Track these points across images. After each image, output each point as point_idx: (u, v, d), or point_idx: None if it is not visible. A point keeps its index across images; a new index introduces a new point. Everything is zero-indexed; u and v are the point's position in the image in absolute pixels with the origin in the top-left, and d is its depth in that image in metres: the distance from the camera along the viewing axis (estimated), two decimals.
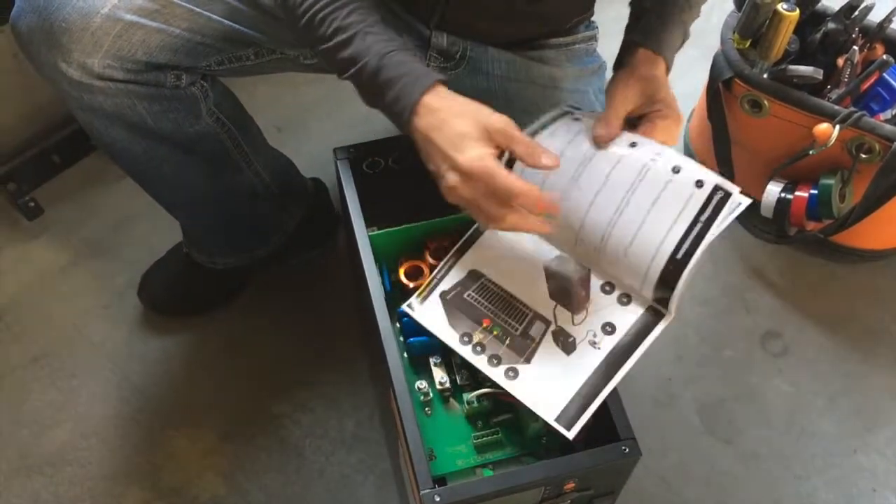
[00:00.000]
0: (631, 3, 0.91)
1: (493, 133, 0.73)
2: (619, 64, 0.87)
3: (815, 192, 1.17)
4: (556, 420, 0.74)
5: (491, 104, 0.77)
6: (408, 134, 0.76)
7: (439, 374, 0.84)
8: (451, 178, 0.72)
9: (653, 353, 1.20)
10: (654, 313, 0.77)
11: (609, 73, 1.08)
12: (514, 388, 0.77)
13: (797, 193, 1.20)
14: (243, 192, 1.07)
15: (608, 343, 0.77)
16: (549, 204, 0.73)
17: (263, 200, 1.12)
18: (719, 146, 1.27)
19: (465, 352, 0.79)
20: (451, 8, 0.90)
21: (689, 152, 1.41)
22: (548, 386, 0.76)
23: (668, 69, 0.86)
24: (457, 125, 0.73)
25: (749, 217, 1.28)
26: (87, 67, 0.83)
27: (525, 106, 0.97)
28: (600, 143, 0.80)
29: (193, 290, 1.21)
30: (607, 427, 0.77)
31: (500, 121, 0.74)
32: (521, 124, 0.81)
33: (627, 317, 0.78)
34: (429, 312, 0.81)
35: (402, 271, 0.87)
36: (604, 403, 0.75)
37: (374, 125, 1.42)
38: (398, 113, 0.75)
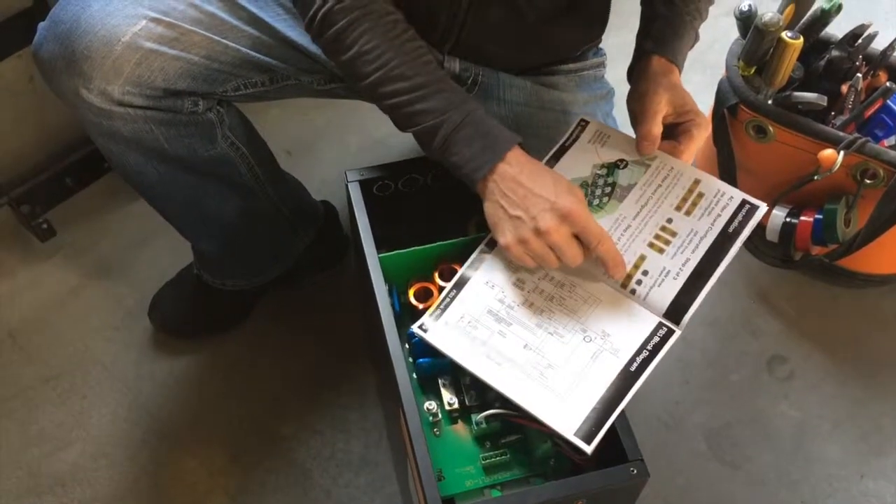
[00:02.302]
0: (642, 8, 0.93)
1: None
2: (635, 72, 0.89)
3: (820, 216, 1.18)
4: (575, 434, 0.75)
5: None
6: (480, 182, 0.80)
7: (448, 395, 0.84)
8: (548, 219, 0.77)
9: (660, 376, 1.21)
10: (666, 329, 0.79)
11: (617, 95, 1.11)
12: (530, 404, 0.77)
13: (802, 218, 1.21)
14: (255, 215, 1.09)
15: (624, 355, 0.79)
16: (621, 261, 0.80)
17: (274, 223, 1.13)
18: (725, 171, 1.28)
19: (484, 369, 0.79)
20: (465, 33, 0.91)
21: None
22: (564, 401, 0.77)
23: (679, 74, 0.90)
24: (549, 175, 0.80)
25: (755, 241, 1.29)
26: (107, 94, 0.85)
27: (536, 131, 0.99)
28: (645, 153, 0.86)
29: (203, 312, 1.22)
30: (615, 448, 0.77)
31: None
32: (531, 148, 0.83)
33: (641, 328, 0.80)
34: (442, 332, 0.82)
35: (411, 293, 0.88)
36: (612, 425, 0.76)
37: (383, 150, 1.44)
38: (479, 162, 0.79)
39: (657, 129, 0.85)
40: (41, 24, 0.88)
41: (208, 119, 0.93)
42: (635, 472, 0.75)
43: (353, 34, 0.79)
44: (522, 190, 0.78)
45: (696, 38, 0.95)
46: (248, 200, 1.06)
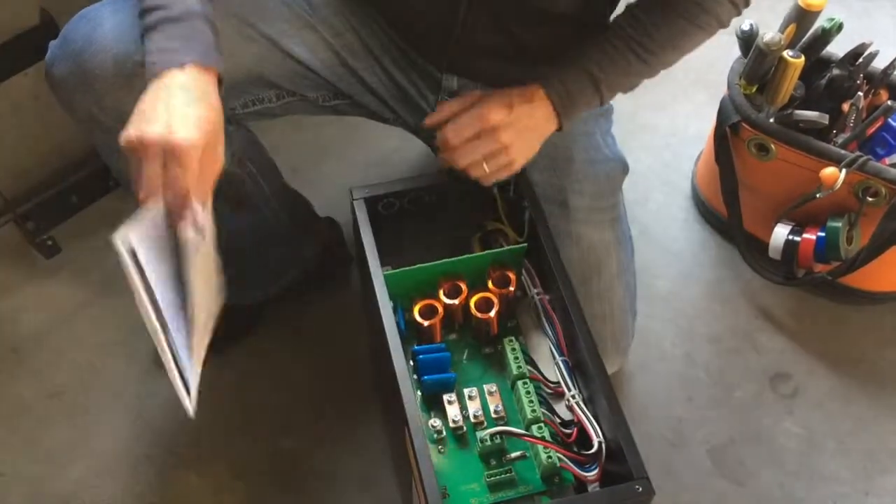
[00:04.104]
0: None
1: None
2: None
3: (822, 234, 1.19)
4: None
5: None
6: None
7: (452, 412, 0.84)
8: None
9: (664, 393, 1.22)
10: None
11: (616, 113, 1.11)
12: None
13: (805, 236, 1.21)
14: (260, 231, 1.09)
15: None
16: None
17: (279, 239, 1.14)
18: (727, 189, 1.29)
19: None
20: (459, 50, 0.92)
21: (696, 194, 1.43)
22: None
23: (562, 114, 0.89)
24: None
25: (757, 259, 1.29)
26: (119, 112, 0.86)
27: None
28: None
29: None
30: (620, 466, 0.77)
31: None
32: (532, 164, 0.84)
33: None
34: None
35: (416, 310, 0.89)
36: (617, 443, 0.76)
37: (389, 167, 1.45)
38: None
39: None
40: (53, 43, 0.88)
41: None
42: (640, 489, 0.75)
43: None
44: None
45: (599, 94, 0.91)
46: (254, 217, 1.07)
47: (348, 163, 1.48)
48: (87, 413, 1.18)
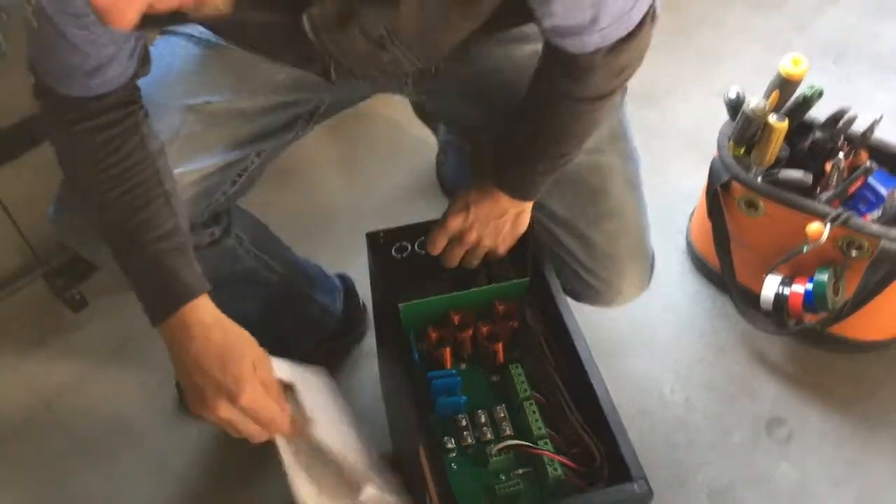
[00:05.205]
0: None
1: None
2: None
3: (810, 286, 1.26)
4: None
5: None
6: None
7: (465, 432, 0.90)
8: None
9: (664, 438, 1.27)
10: None
11: None
12: None
13: (794, 287, 1.28)
14: (278, 305, 1.15)
15: None
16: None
17: (296, 306, 1.20)
18: (720, 243, 1.37)
19: None
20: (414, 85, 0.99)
21: (691, 248, 1.50)
22: None
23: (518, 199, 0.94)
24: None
25: (750, 310, 1.36)
26: None
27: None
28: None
29: None
30: (621, 473, 0.82)
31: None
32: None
33: None
34: None
35: (428, 340, 0.95)
36: (616, 443, 0.82)
37: (401, 214, 1.51)
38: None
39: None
40: (50, 208, 0.92)
41: (229, 245, 1.00)
42: (639, 489, 0.80)
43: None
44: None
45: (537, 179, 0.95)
46: (271, 293, 1.13)
47: (360, 210, 1.56)
48: (114, 462, 1.23)
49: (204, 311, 0.81)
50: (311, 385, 0.96)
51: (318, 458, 0.89)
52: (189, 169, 0.91)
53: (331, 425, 0.93)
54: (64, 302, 1.39)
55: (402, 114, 1.64)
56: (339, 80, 0.87)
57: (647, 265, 1.08)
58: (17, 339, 1.37)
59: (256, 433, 0.83)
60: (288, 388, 0.90)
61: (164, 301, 0.80)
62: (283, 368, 0.91)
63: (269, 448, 0.87)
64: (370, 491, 0.89)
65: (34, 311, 1.40)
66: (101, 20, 0.53)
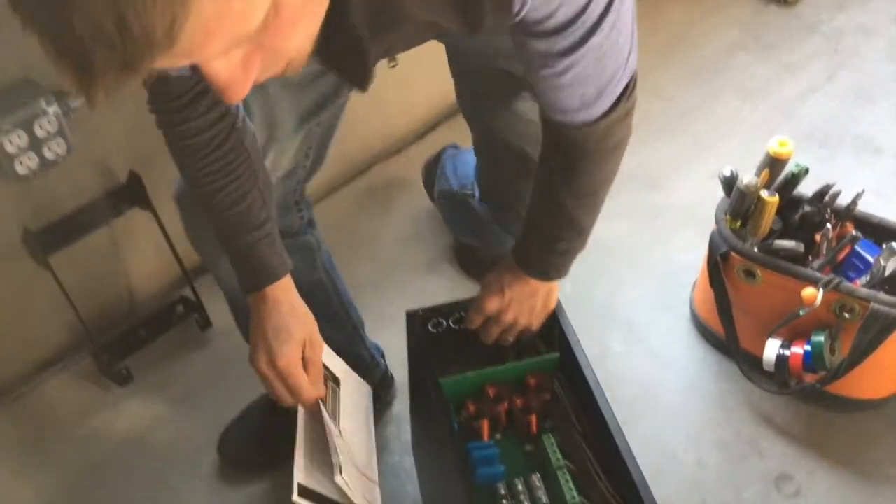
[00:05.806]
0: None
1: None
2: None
3: (808, 347, 1.35)
4: None
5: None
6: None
7: (504, 501, 0.97)
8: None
9: (679, 497, 1.34)
10: None
11: None
12: None
13: (793, 349, 1.37)
14: (333, 329, 1.21)
15: None
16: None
17: (350, 342, 1.28)
18: (722, 310, 1.46)
19: None
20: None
21: (695, 317, 1.60)
22: None
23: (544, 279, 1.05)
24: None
25: (754, 372, 1.45)
26: None
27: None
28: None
29: (269, 442, 1.35)
30: None
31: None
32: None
33: None
34: None
35: (468, 412, 1.04)
36: None
37: (434, 293, 1.61)
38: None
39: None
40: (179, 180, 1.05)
41: (308, 242, 1.12)
42: None
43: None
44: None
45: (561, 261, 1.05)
46: (334, 327, 1.20)
47: (403, 286, 1.65)
48: None
49: (280, 289, 0.97)
50: (352, 389, 1.07)
51: (327, 444, 0.97)
52: (276, 151, 1.04)
53: (352, 428, 1.02)
54: (111, 377, 1.48)
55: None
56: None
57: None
58: (68, 409, 1.46)
59: (283, 396, 0.98)
60: (334, 381, 1.02)
61: (251, 280, 0.97)
62: (334, 361, 1.04)
63: None
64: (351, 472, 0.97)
65: (85, 384, 1.49)
66: (217, 97, 0.59)
